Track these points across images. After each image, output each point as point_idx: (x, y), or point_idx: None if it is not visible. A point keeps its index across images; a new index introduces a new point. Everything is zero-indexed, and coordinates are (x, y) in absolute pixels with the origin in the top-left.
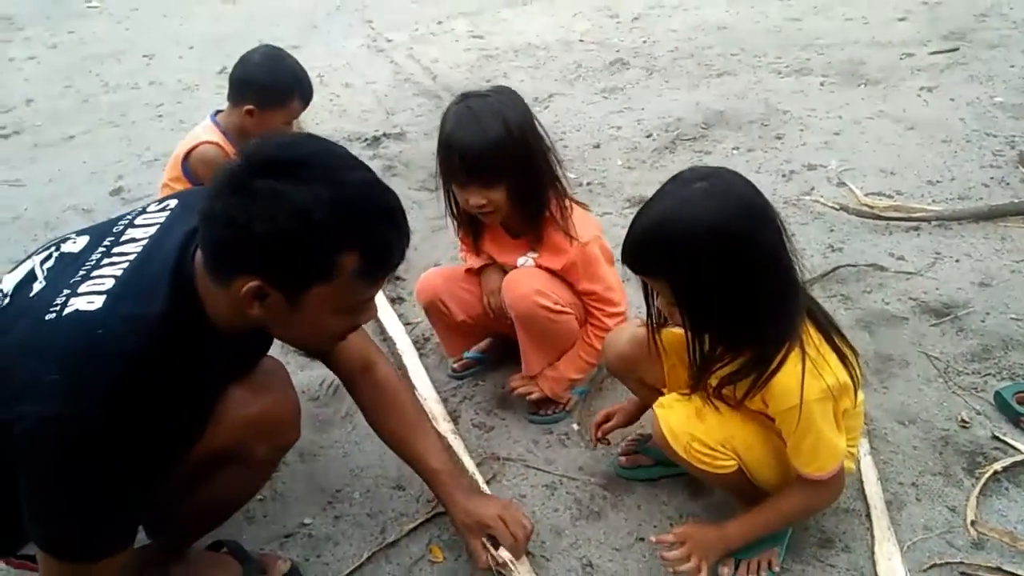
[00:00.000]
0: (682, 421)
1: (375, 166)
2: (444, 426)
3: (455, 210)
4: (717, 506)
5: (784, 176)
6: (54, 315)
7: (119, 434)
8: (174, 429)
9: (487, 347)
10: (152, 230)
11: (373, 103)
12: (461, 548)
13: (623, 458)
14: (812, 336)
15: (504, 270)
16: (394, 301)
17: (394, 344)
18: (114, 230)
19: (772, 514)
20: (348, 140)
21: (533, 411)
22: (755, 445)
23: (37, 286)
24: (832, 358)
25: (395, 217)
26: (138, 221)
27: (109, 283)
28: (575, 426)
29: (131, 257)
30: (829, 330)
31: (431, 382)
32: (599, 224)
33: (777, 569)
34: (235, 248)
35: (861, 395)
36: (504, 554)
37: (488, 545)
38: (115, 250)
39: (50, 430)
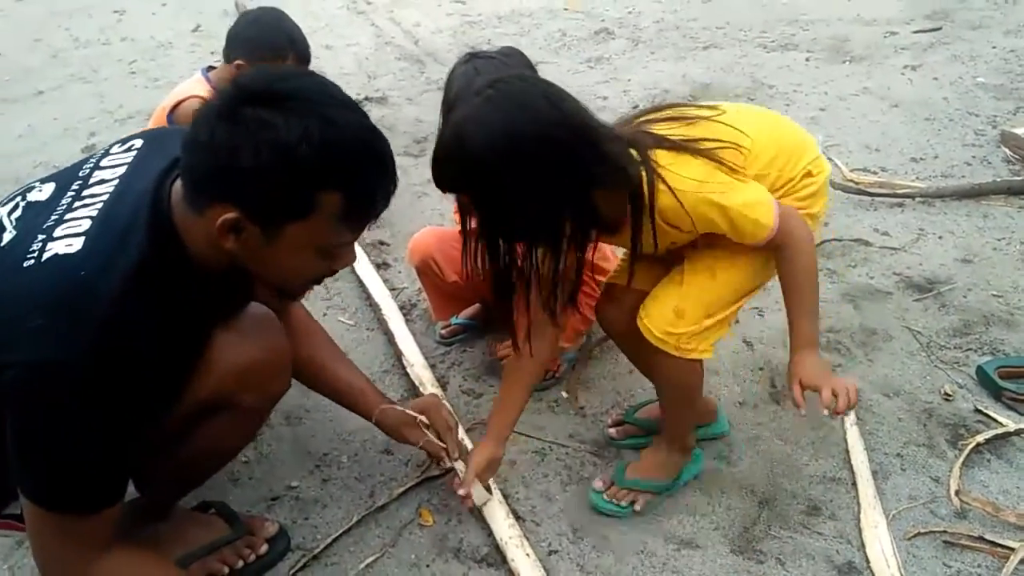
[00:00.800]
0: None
1: None
2: (433, 391)
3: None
4: (706, 479)
5: None
6: (33, 261)
7: (111, 379)
8: (166, 373)
9: (475, 313)
10: (121, 170)
11: (354, 66)
12: (451, 511)
13: (612, 430)
14: (662, 155)
15: None
16: (380, 267)
17: (380, 310)
18: (80, 174)
19: (800, 295)
20: None
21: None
22: (724, 271)
23: (7, 236)
24: (686, 154)
25: (384, 163)
26: (104, 163)
27: (86, 224)
28: (564, 394)
29: (104, 197)
30: (683, 146)
31: (419, 348)
32: None
33: (638, 508)
34: (215, 175)
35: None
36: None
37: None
38: (85, 193)
39: (39, 377)
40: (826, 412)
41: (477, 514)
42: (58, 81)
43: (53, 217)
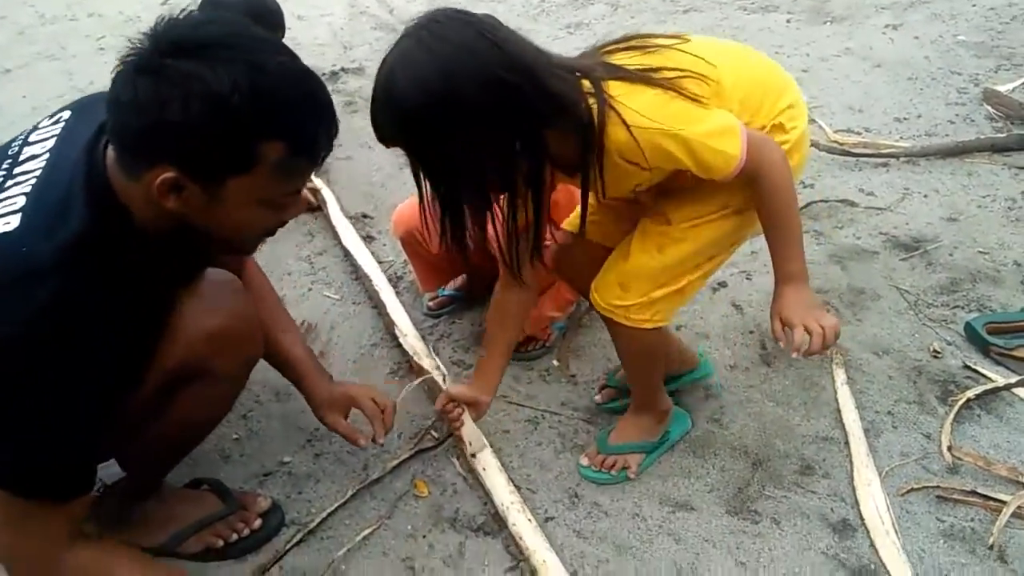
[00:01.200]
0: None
1: (335, 102)
2: (428, 362)
3: None
4: (699, 442)
5: None
6: None
7: (67, 353)
8: (124, 343)
9: (462, 284)
10: (50, 143)
11: (329, 36)
12: (446, 482)
13: (598, 396)
14: (615, 86)
15: None
16: (364, 240)
17: (370, 281)
18: (9, 153)
19: (779, 228)
20: None
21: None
22: (674, 245)
23: None
24: (641, 84)
25: (322, 105)
26: (32, 138)
27: (20, 201)
28: (555, 362)
29: (36, 173)
30: (639, 75)
31: (409, 320)
32: None
33: (632, 475)
34: (146, 136)
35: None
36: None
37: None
38: (16, 171)
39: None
40: (795, 354)
41: (473, 483)
42: (25, 59)
43: None
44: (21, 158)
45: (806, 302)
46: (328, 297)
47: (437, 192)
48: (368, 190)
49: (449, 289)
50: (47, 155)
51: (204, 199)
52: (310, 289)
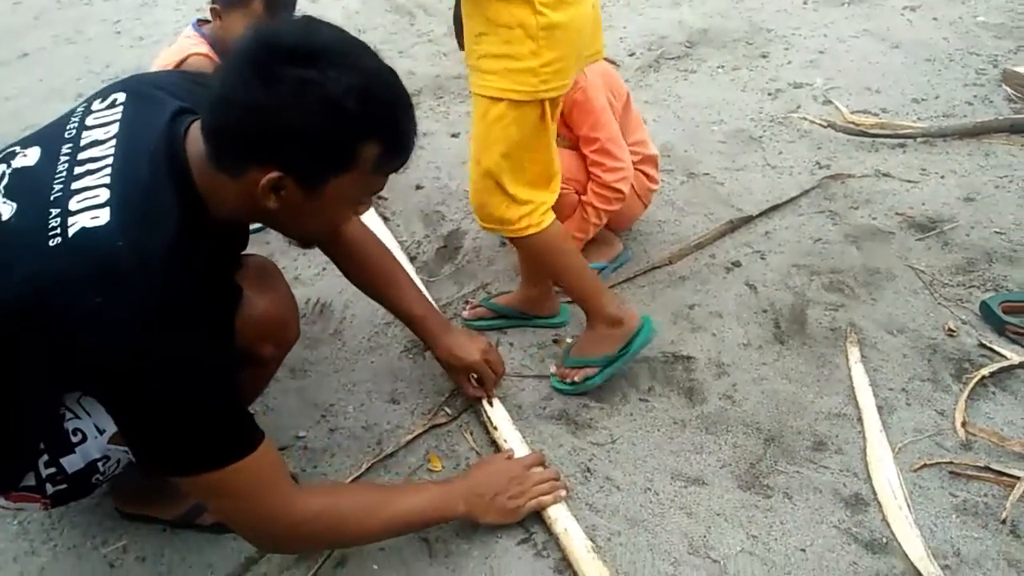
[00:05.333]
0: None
1: None
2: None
3: None
4: (712, 418)
5: (770, 95)
6: (59, 239)
7: (196, 333)
8: (223, 327)
9: None
10: (113, 128)
11: (343, 20)
12: (459, 456)
13: (466, 312)
14: None
15: None
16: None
17: None
18: (67, 136)
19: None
20: None
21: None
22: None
23: (6, 210)
24: None
25: (411, 106)
26: (90, 121)
27: (103, 193)
28: (569, 340)
29: (108, 161)
30: None
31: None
32: (627, 90)
33: (578, 379)
34: (257, 137)
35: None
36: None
37: (472, 381)
38: (82, 156)
39: (129, 354)
40: None
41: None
42: (42, 42)
43: (57, 187)
44: (83, 143)
45: None
46: (342, 276)
47: None
48: None
49: None
50: (114, 141)
51: (300, 197)
52: (324, 268)
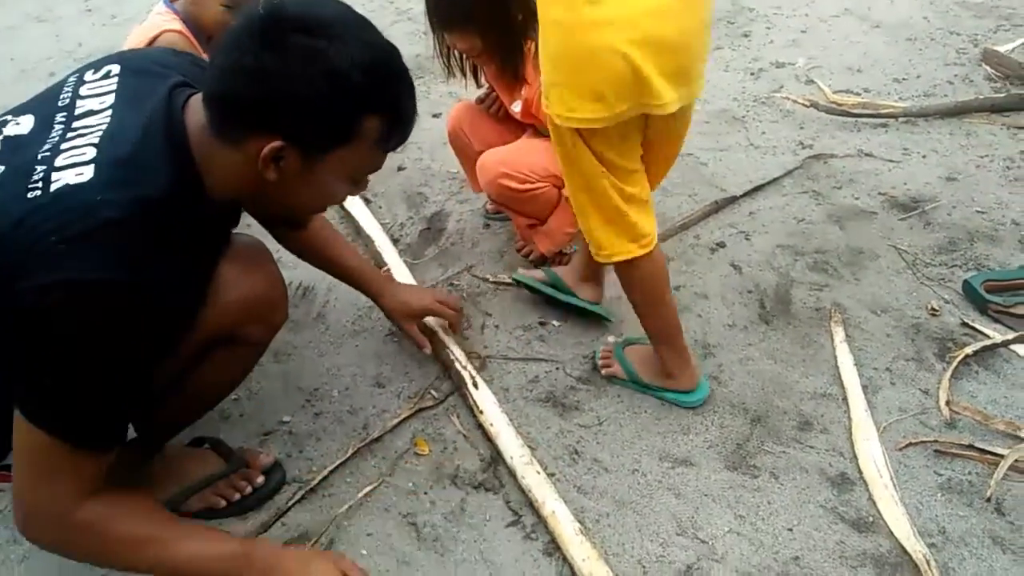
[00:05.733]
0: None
1: None
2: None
3: (447, 53)
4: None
5: (752, 74)
6: (39, 191)
7: (140, 305)
8: (186, 303)
9: None
10: (109, 98)
11: None
12: (446, 440)
13: (522, 269)
14: None
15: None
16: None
17: (372, 241)
18: (60, 104)
19: None
20: None
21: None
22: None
23: None
24: None
25: (411, 82)
26: (84, 91)
27: (91, 152)
28: (555, 322)
29: (102, 127)
30: None
31: (412, 278)
32: None
33: (603, 373)
34: (261, 105)
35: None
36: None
37: (427, 326)
38: (76, 124)
39: (84, 295)
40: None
41: (473, 440)
42: (12, 21)
43: (46, 148)
44: (77, 111)
45: None
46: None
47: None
48: None
49: None
50: (109, 111)
51: (299, 170)
52: None
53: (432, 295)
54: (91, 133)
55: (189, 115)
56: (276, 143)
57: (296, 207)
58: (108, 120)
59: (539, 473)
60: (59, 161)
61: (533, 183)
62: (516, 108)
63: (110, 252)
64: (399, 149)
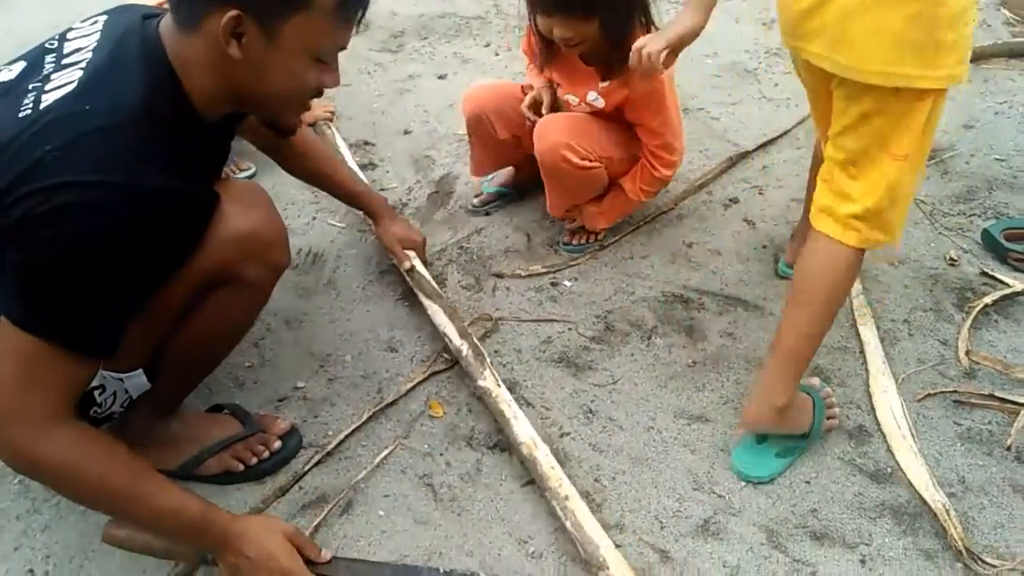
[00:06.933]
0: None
1: None
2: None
3: (535, 26)
4: (713, 356)
5: (765, 25)
6: (29, 110)
7: (139, 206)
8: (183, 213)
9: (507, 180)
10: (95, 37)
11: None
12: (460, 402)
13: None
14: None
15: (558, 98)
16: (366, 167)
17: None
18: (49, 47)
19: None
20: None
21: (567, 241)
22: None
23: None
24: None
25: None
26: (71, 35)
27: (77, 74)
28: (567, 283)
29: (87, 57)
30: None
31: None
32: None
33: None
34: None
35: None
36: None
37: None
38: (64, 61)
39: (65, 201)
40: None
41: (485, 404)
42: None
43: (36, 80)
44: (66, 51)
45: (664, 32)
46: (333, 225)
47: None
48: (369, 118)
49: (494, 185)
50: (94, 45)
51: (262, 44)
52: (314, 218)
53: (416, 235)
54: (78, 64)
55: (163, 29)
56: (232, 12)
57: (269, 93)
58: (93, 51)
59: (533, 442)
60: (48, 87)
61: (592, 161)
62: (595, 100)
63: (104, 155)
64: (362, 26)
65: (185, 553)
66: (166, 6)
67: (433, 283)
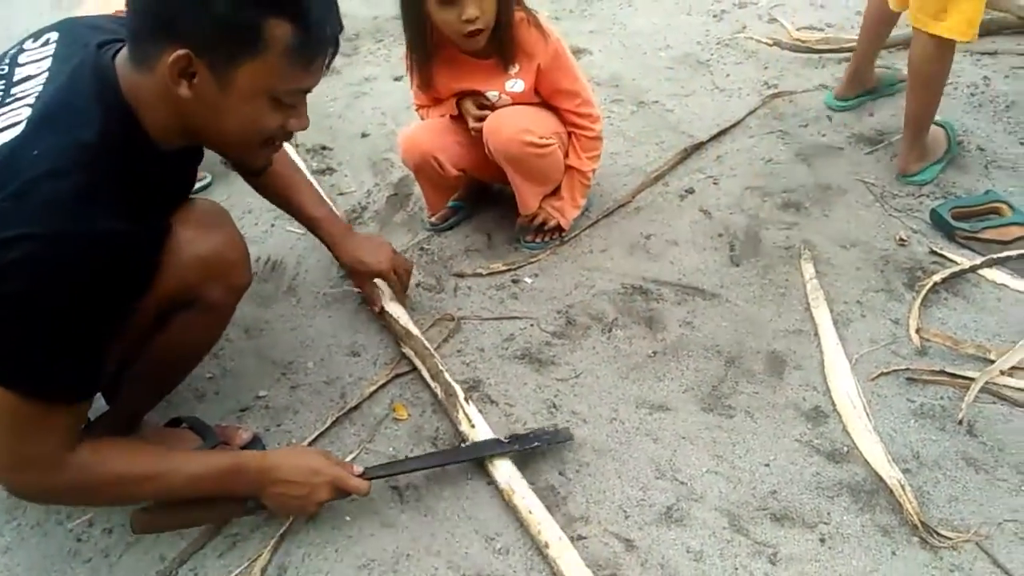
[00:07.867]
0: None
1: None
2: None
3: (420, 40)
4: (672, 345)
5: (715, 16)
6: None
7: (93, 252)
8: (140, 251)
9: (463, 195)
10: (46, 63)
11: None
12: (424, 403)
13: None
14: None
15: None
16: (323, 172)
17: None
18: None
19: None
20: None
21: (530, 239)
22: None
23: None
24: None
25: None
26: (23, 59)
27: (25, 112)
28: (528, 280)
29: (37, 90)
30: None
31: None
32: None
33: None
34: (161, 14)
35: None
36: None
37: (379, 288)
38: (14, 89)
39: (19, 256)
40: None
41: (448, 407)
42: None
43: None
44: (16, 78)
45: None
46: (292, 231)
47: None
48: (325, 122)
49: (451, 201)
50: (47, 74)
51: (215, 87)
52: (273, 225)
53: (388, 255)
54: (27, 96)
55: (119, 61)
56: (180, 51)
57: (226, 135)
58: (43, 83)
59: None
60: None
61: (550, 139)
62: (515, 87)
63: (54, 203)
64: (328, 70)
65: (221, 510)
66: (122, 14)
67: (407, 322)
